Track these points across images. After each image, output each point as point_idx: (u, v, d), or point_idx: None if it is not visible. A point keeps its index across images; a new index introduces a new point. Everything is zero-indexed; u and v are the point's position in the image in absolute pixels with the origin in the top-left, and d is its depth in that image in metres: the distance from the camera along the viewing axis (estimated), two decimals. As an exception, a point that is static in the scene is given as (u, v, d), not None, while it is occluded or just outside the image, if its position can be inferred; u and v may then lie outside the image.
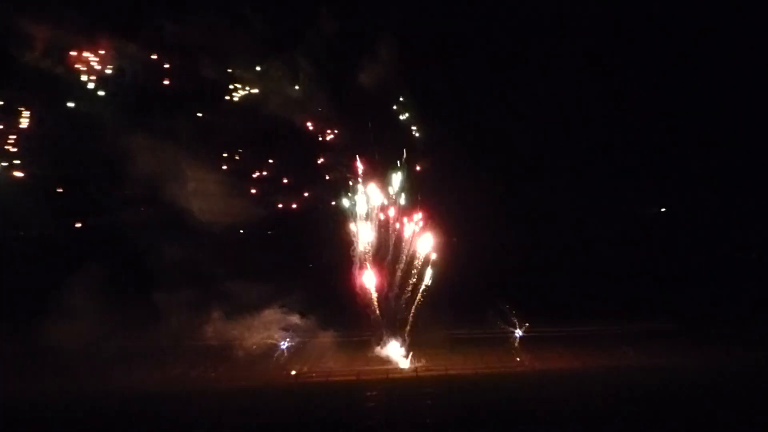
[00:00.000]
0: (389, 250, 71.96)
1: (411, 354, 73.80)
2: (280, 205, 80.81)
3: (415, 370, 72.66)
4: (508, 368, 71.10)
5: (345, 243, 72.34)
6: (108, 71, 78.18)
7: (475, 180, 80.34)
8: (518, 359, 72.85)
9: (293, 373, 73.04)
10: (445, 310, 74.47)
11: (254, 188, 78.44)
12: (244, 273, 74.67)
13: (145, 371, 71.19)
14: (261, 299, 74.46)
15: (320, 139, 79.67)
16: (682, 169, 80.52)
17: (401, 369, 73.32)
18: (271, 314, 74.53)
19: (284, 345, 75.89)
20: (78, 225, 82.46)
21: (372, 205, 70.71)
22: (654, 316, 78.38)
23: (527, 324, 74.84)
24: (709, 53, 79.82)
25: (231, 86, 77.05)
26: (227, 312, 73.95)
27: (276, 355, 74.52)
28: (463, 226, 78.48)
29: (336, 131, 79.48)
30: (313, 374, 72.65)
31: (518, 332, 75.31)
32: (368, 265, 71.91)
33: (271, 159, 78.85)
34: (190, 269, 74.38)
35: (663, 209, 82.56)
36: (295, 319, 74.85)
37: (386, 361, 74.17)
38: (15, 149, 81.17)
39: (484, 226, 78.47)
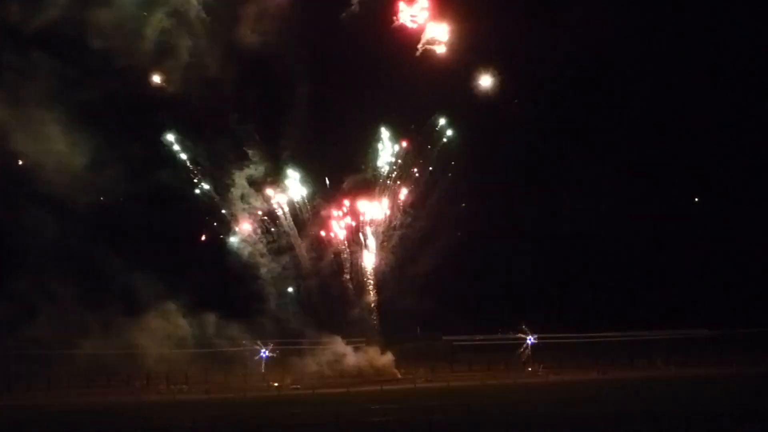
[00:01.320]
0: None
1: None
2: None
3: (413, 381, 65.79)
4: (518, 380, 64.40)
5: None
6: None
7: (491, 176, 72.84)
8: (530, 369, 67.20)
9: (275, 384, 66.45)
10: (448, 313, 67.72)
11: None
12: (122, 258, 65.10)
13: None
14: (153, 293, 65.08)
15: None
16: (718, 161, 73.03)
17: (397, 380, 66.78)
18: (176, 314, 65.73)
19: (265, 354, 68.40)
20: None
21: None
22: (686, 321, 70.33)
23: (540, 330, 68.11)
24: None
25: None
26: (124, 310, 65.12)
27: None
28: (471, 220, 71.10)
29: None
30: (298, 386, 65.76)
31: (530, 339, 68.28)
32: None
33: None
34: (56, 252, 64.27)
35: (696, 199, 74.59)
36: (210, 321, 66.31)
37: (378, 371, 67.27)
38: None
39: (495, 220, 71.11)
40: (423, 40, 68.41)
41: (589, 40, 67.01)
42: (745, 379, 59.78)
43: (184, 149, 69.42)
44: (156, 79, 67.56)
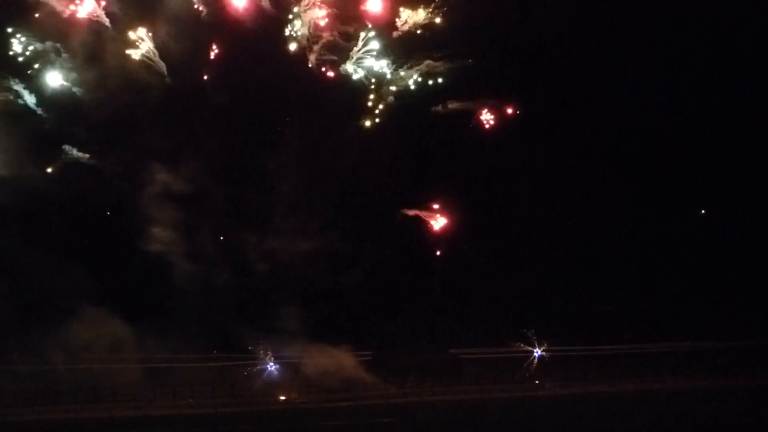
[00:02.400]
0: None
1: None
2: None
3: (419, 394, 65.44)
4: (525, 393, 64.27)
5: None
6: None
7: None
8: (537, 382, 66.35)
9: (282, 398, 65.66)
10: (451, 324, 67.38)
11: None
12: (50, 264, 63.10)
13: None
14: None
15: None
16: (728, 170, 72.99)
17: (403, 393, 65.69)
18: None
19: (271, 367, 67.88)
20: None
21: None
22: (693, 334, 70.05)
23: (547, 343, 67.44)
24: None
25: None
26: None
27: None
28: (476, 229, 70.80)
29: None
30: (304, 400, 65.11)
31: (537, 351, 67.75)
32: None
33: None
34: None
35: (703, 211, 74.39)
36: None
37: (381, 382, 66.25)
38: None
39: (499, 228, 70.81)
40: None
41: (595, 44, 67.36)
42: (754, 391, 59.66)
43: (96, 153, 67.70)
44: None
